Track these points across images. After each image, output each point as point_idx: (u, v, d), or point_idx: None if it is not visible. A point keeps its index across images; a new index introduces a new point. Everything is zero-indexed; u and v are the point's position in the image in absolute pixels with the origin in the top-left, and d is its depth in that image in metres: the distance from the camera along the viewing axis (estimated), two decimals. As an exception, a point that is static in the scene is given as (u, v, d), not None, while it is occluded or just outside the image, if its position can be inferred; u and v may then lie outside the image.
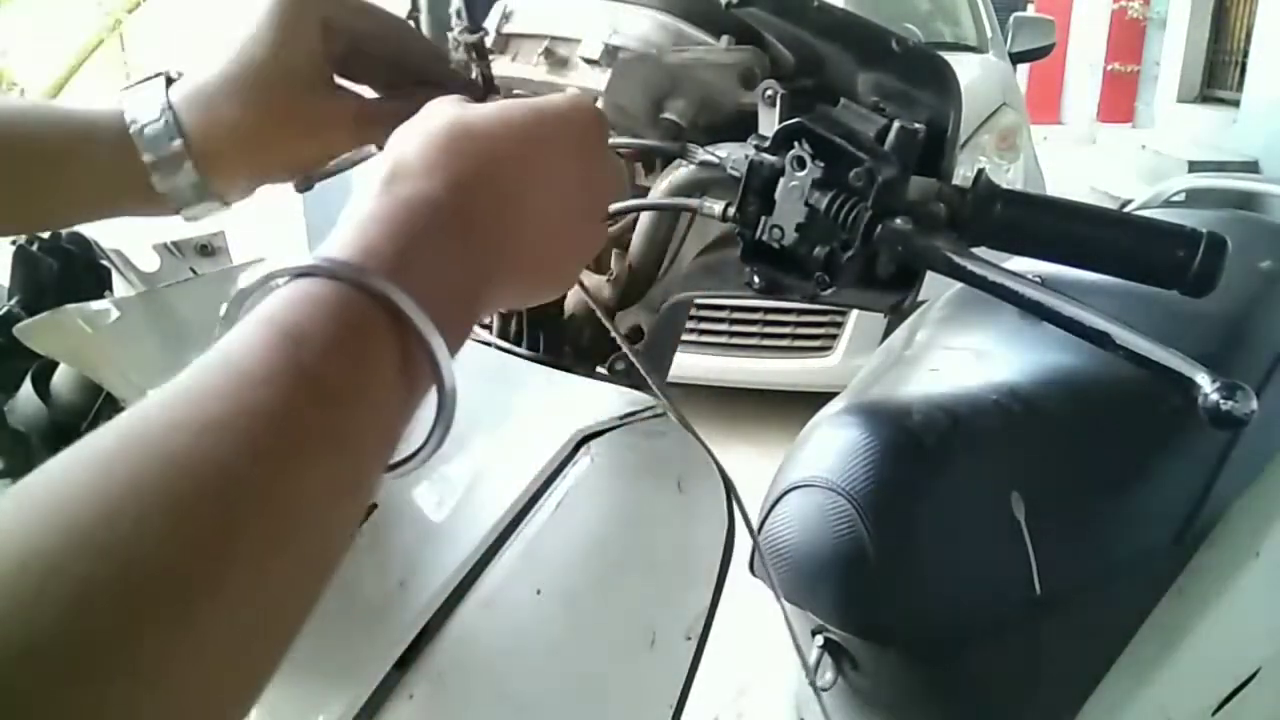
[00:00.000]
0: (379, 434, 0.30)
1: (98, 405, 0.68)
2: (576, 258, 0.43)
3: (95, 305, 0.61)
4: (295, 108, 0.49)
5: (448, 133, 0.37)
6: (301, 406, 0.27)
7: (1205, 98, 6.59)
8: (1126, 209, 1.91)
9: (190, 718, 0.23)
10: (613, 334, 0.59)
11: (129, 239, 0.76)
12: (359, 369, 0.29)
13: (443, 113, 0.38)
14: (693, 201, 0.56)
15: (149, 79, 0.49)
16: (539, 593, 0.49)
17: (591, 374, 0.60)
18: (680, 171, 0.59)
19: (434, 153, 0.36)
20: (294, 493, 0.26)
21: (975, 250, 0.50)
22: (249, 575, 0.24)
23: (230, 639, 0.24)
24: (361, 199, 0.34)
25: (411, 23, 0.69)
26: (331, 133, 0.50)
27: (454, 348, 0.33)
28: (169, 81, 0.49)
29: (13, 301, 0.74)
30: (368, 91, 0.54)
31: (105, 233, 0.69)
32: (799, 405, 1.81)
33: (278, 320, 0.28)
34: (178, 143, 0.47)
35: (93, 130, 0.47)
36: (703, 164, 0.56)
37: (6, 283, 0.76)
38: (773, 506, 0.93)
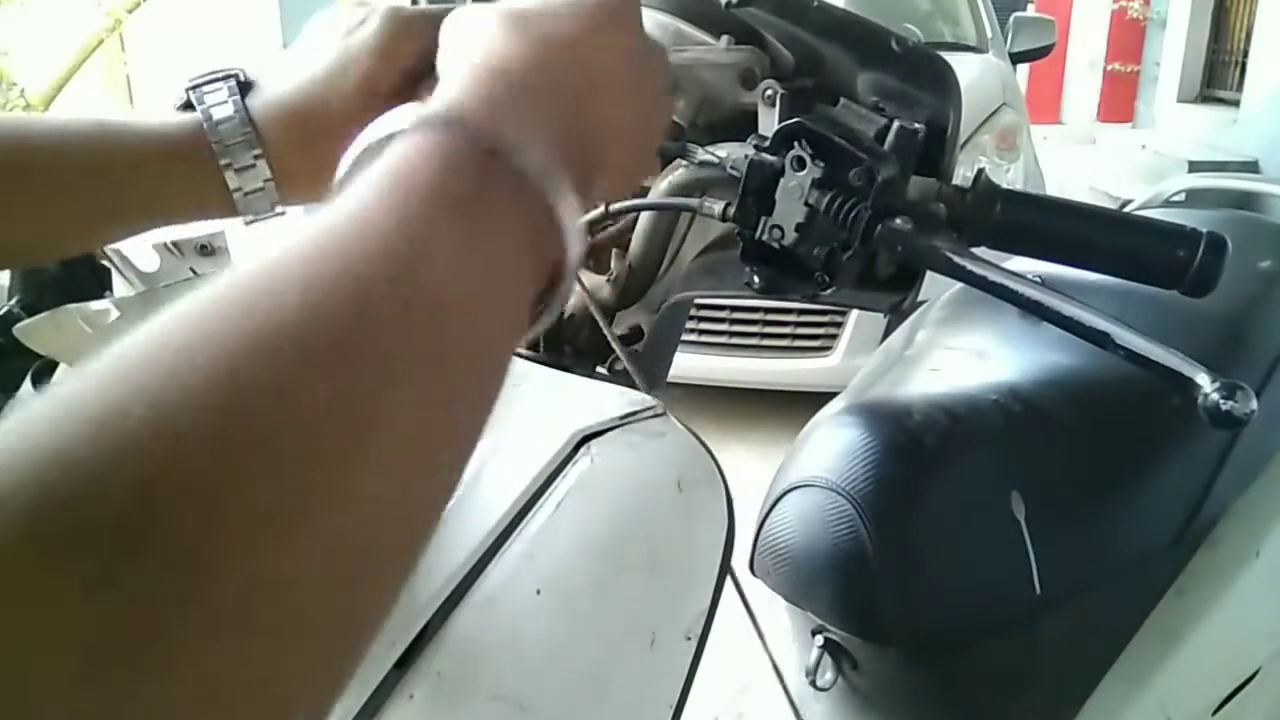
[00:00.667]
0: (508, 300, 0.29)
1: (98, 405, 0.68)
2: (655, 132, 0.42)
3: (95, 305, 0.61)
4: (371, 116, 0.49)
5: (500, 22, 0.35)
6: (435, 255, 0.25)
7: (1205, 98, 6.59)
8: (1126, 209, 1.91)
9: (329, 576, 0.21)
10: (608, 337, 0.59)
11: (129, 239, 0.76)
12: (485, 225, 0.28)
13: (480, 11, 0.37)
14: (693, 201, 0.56)
15: (215, 77, 0.48)
16: (539, 592, 0.49)
17: (591, 374, 0.60)
18: (680, 171, 0.59)
19: (499, 37, 0.34)
20: (442, 336, 0.25)
21: (975, 250, 0.50)
22: (405, 418, 0.23)
23: (376, 490, 0.22)
24: (445, 78, 0.32)
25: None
26: None
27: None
28: (240, 86, 0.48)
29: (13, 301, 0.74)
30: None
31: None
32: (799, 405, 1.81)
33: (402, 174, 0.27)
34: (251, 141, 0.47)
35: (165, 134, 0.47)
36: (703, 164, 0.56)
37: (6, 282, 0.76)
38: (773, 506, 0.93)
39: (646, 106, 0.40)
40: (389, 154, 0.28)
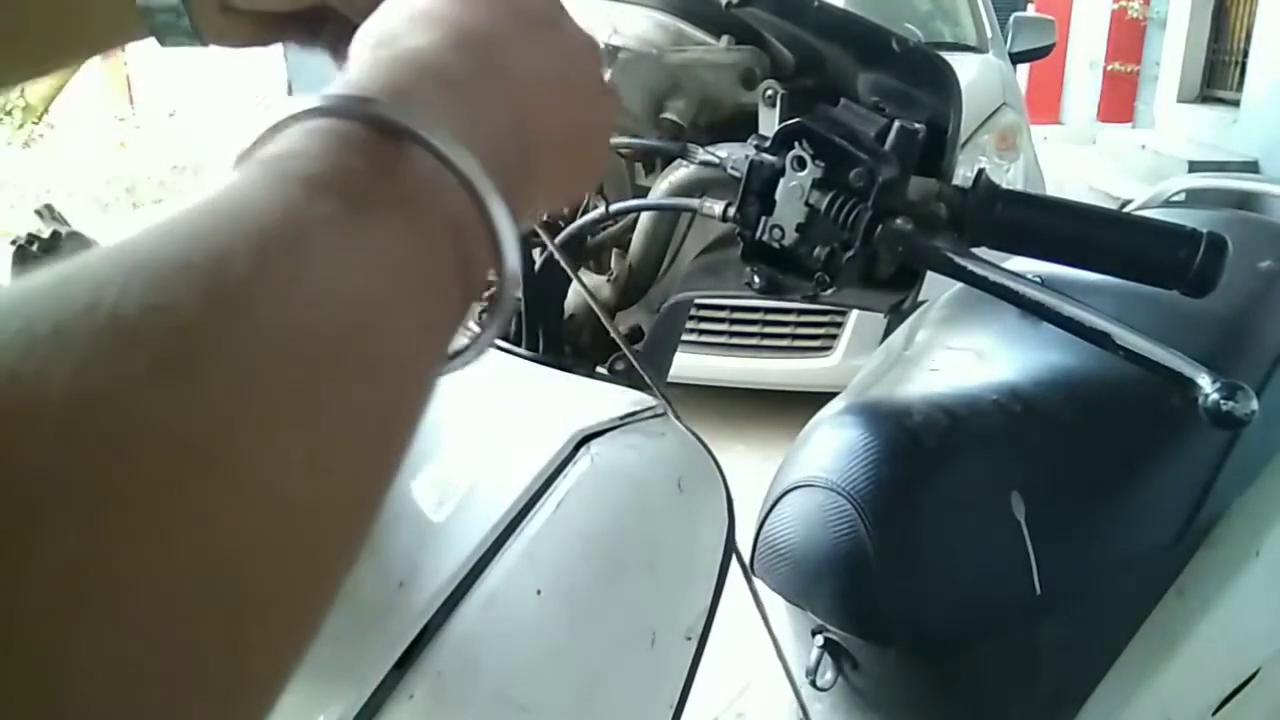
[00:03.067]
0: (417, 307, 0.25)
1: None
2: (596, 134, 0.38)
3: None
4: None
5: (412, 14, 0.32)
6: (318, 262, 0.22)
7: (1205, 98, 6.59)
8: (1126, 209, 1.91)
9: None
10: (612, 334, 0.59)
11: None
12: (391, 219, 0.24)
13: (395, 6, 0.33)
14: (693, 201, 0.56)
15: None
16: (539, 593, 0.49)
17: (591, 374, 0.60)
18: (680, 171, 0.59)
19: (418, 17, 0.31)
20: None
21: (975, 250, 0.50)
22: (270, 435, 0.20)
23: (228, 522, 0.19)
24: (351, 67, 0.28)
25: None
26: None
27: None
28: None
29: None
30: None
31: (105, 232, 0.69)
32: (799, 405, 1.81)
33: (286, 165, 0.23)
34: None
35: None
36: (703, 164, 0.56)
37: (6, 283, 0.76)
38: (773, 506, 0.93)
39: (583, 105, 0.36)
40: (283, 136, 0.25)
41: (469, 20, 0.32)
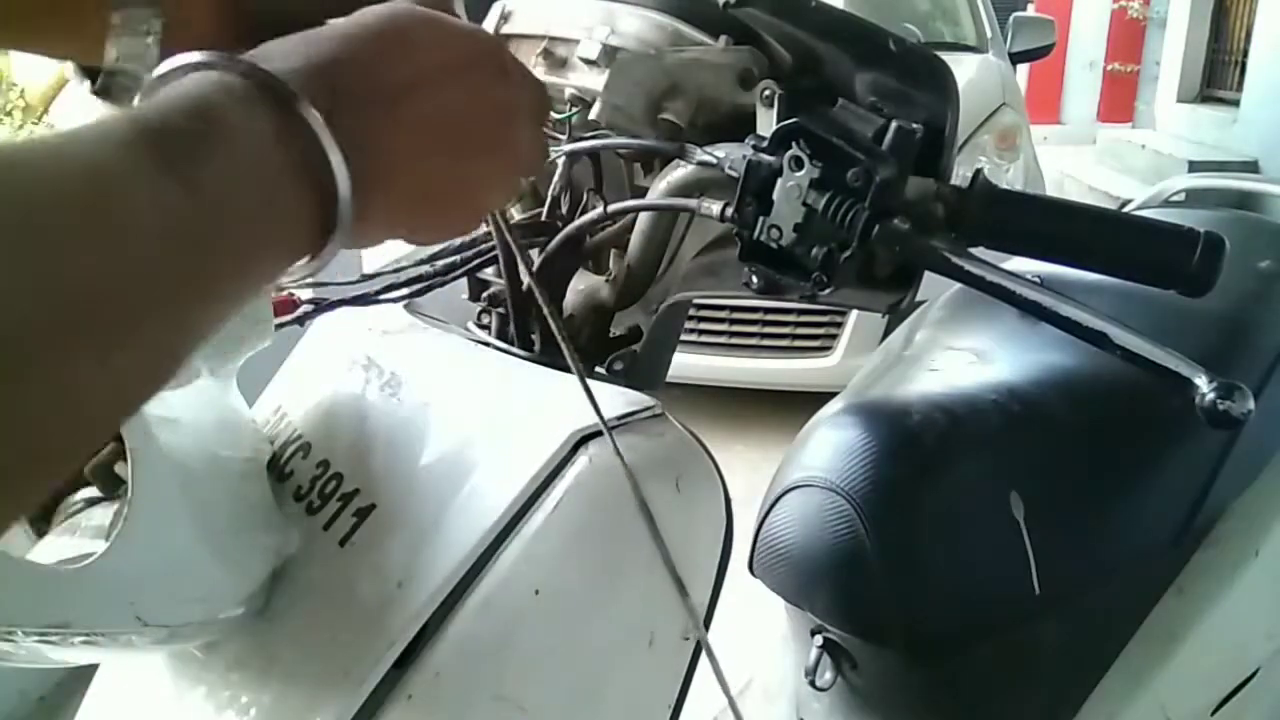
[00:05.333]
0: (252, 236, 0.30)
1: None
2: (478, 188, 0.39)
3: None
4: None
5: (302, 34, 0.34)
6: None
7: (1205, 98, 6.58)
8: (1126, 209, 1.91)
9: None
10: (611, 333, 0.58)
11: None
12: (250, 168, 0.29)
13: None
14: (691, 202, 0.56)
15: None
16: (537, 593, 0.49)
17: (590, 374, 0.60)
18: (679, 172, 0.59)
19: (288, 44, 0.33)
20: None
21: (973, 250, 0.50)
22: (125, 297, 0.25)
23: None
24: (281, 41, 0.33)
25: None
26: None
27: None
28: None
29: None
30: None
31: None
32: (799, 405, 1.80)
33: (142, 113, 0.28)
34: None
35: None
36: (701, 164, 0.56)
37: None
38: (772, 506, 0.93)
39: (485, 155, 0.37)
40: (192, 80, 0.30)
41: (341, 46, 0.34)
